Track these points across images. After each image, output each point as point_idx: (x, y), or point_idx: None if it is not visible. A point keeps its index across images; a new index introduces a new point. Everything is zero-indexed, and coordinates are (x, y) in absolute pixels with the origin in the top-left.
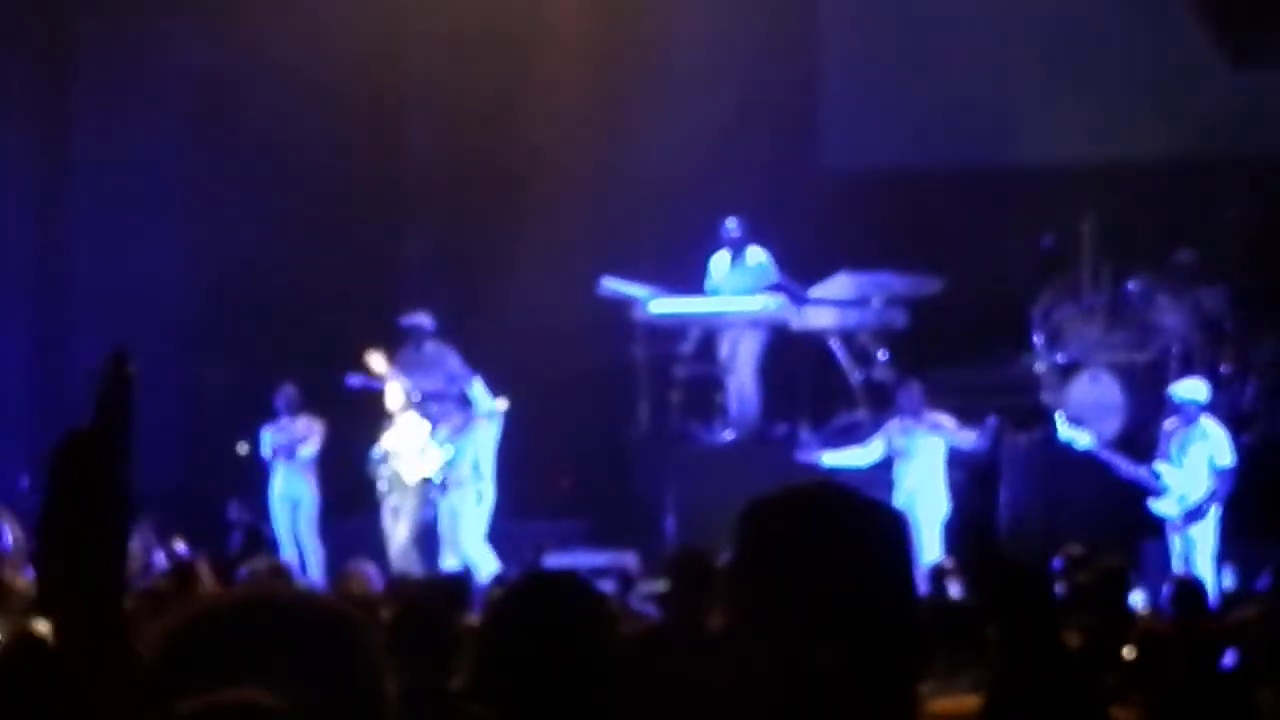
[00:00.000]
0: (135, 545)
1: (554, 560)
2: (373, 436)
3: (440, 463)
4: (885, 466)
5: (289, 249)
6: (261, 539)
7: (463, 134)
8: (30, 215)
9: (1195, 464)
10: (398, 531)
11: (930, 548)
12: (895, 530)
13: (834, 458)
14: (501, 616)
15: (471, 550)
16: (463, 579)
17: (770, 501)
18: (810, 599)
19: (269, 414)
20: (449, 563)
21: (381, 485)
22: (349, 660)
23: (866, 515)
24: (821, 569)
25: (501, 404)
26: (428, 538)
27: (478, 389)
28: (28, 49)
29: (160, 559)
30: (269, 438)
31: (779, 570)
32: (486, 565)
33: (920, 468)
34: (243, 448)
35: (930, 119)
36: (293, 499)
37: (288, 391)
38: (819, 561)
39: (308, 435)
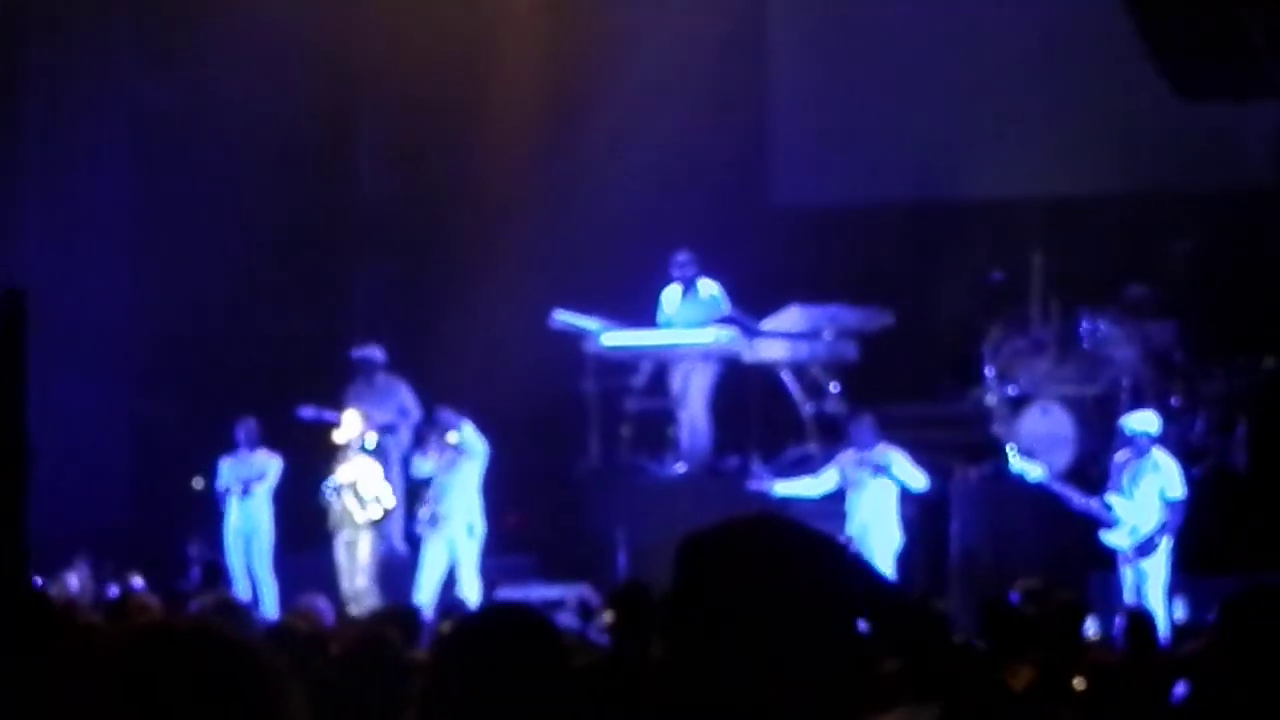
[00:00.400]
0: (73, 582)
1: (507, 594)
2: (326, 470)
3: (392, 499)
4: (838, 498)
5: (240, 282)
6: (219, 574)
7: (414, 167)
8: None
9: (1147, 496)
10: (353, 566)
11: None
12: (835, 561)
13: (786, 487)
14: (450, 650)
15: (466, 582)
16: (413, 613)
17: (709, 534)
18: (749, 630)
19: (223, 447)
20: (423, 597)
21: (334, 519)
22: (240, 697)
23: (806, 547)
24: (760, 600)
25: (453, 437)
26: (387, 572)
27: (468, 432)
28: None
29: (114, 593)
30: (227, 469)
31: (717, 602)
32: (476, 597)
33: (872, 500)
34: (198, 482)
35: (880, 154)
36: (248, 533)
37: (248, 424)
38: (757, 593)
39: (266, 469)
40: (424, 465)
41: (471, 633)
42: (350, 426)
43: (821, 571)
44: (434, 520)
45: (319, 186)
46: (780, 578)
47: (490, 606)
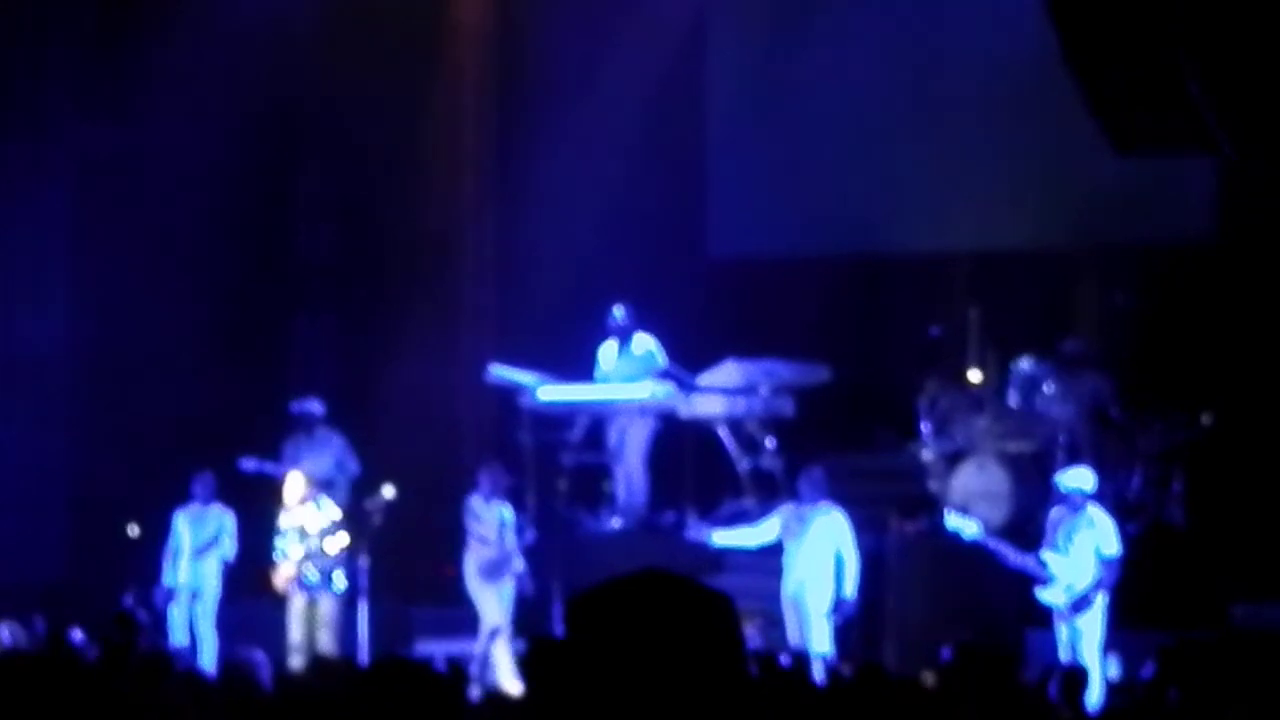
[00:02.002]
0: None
1: (434, 648)
2: (265, 522)
3: (337, 552)
4: (776, 552)
5: (178, 333)
6: (155, 627)
7: (352, 219)
8: None
9: (1082, 553)
10: (314, 620)
11: (819, 637)
12: (721, 617)
13: (724, 537)
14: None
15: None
16: (350, 665)
17: (597, 592)
18: (634, 686)
19: (160, 498)
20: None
21: (280, 574)
22: None
23: (692, 603)
24: (644, 656)
25: (389, 491)
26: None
27: None
28: None
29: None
30: (184, 525)
31: (603, 658)
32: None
33: (811, 554)
34: (134, 530)
35: (817, 208)
36: (194, 589)
37: (205, 478)
38: (642, 649)
39: (221, 528)
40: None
41: (375, 684)
42: (295, 488)
43: (707, 628)
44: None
45: (258, 237)
46: (665, 634)
47: (394, 658)
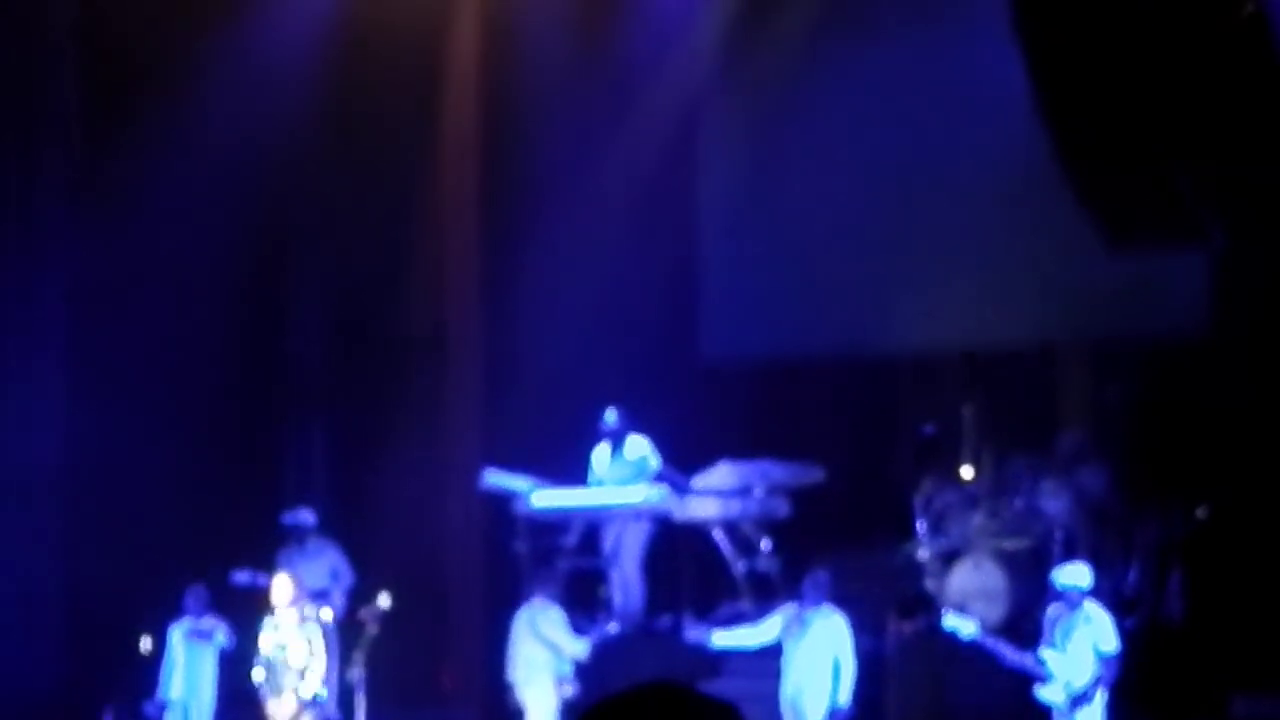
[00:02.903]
0: None
1: None
2: (257, 634)
3: (320, 673)
4: (775, 655)
5: (170, 444)
6: None
7: (345, 329)
8: None
9: (1080, 650)
10: None
11: None
12: None
13: (725, 638)
14: None
15: None
16: None
17: (609, 704)
18: None
19: (153, 608)
20: None
21: (264, 688)
22: None
23: (700, 716)
24: None
25: (384, 600)
26: None
27: None
28: None
29: None
30: (178, 636)
31: None
32: None
33: (810, 657)
34: (146, 644)
35: (808, 308)
36: (187, 701)
37: (198, 590)
38: None
39: (214, 633)
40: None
41: None
42: (282, 591)
43: None
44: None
45: (249, 347)
46: None
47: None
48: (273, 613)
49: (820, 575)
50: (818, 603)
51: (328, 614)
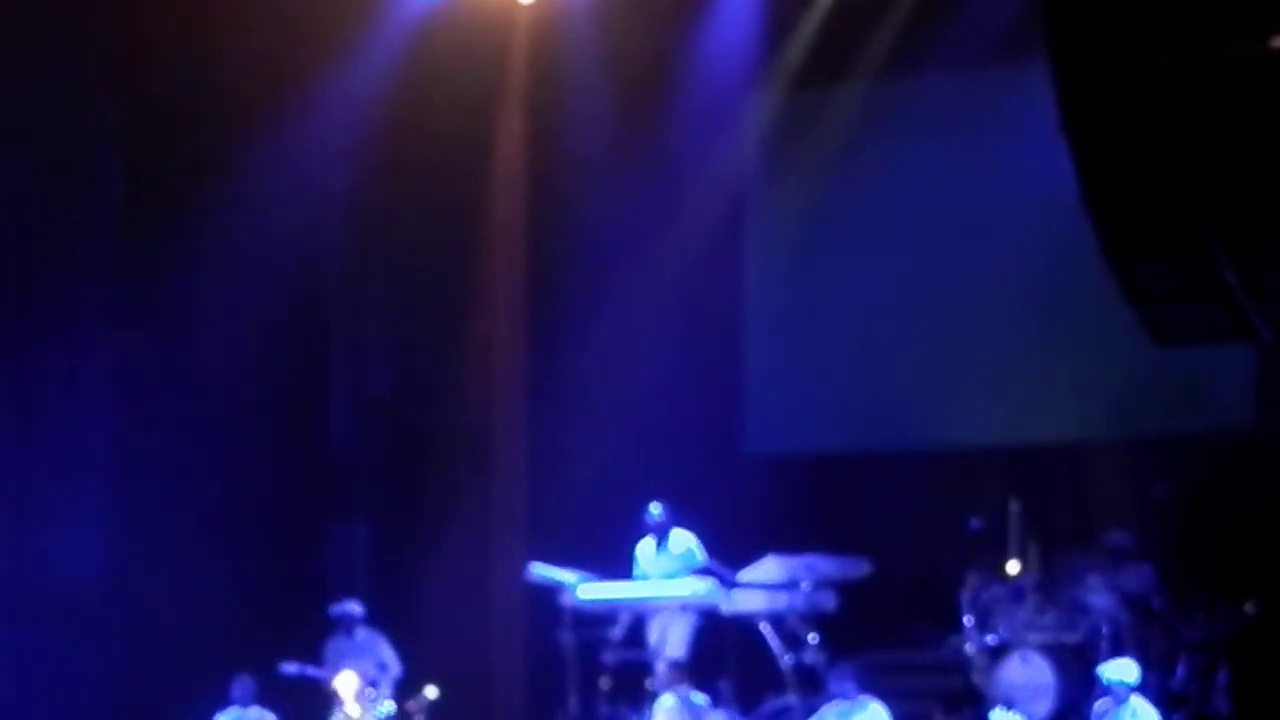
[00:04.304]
0: None
1: None
2: None
3: None
4: None
5: (216, 538)
6: None
7: (386, 419)
8: None
9: None
10: None
11: None
12: None
13: None
14: None
15: None
16: None
17: None
18: None
19: (205, 702)
20: None
21: None
22: None
23: None
24: None
25: (431, 692)
26: None
27: None
28: None
29: None
30: None
31: None
32: None
33: None
34: None
35: (855, 402)
36: None
37: (245, 682)
38: None
39: None
40: None
41: None
42: (347, 686)
43: None
44: None
45: (293, 440)
46: None
47: None
48: (339, 707)
49: (844, 669)
50: (853, 695)
51: (390, 706)
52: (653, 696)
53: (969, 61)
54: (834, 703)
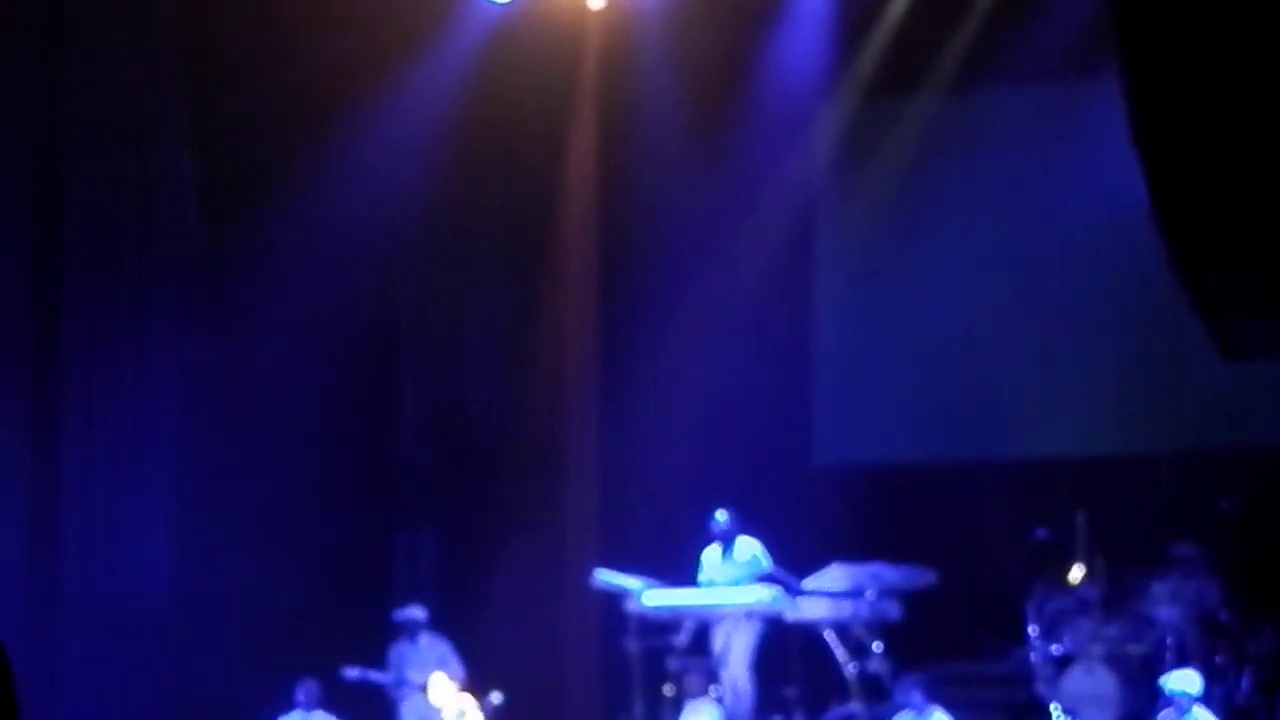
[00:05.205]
0: None
1: None
2: None
3: None
4: None
5: (281, 542)
6: None
7: (454, 425)
8: (18, 519)
9: None
10: None
11: None
12: None
13: None
14: None
15: None
16: None
17: None
18: None
19: (268, 706)
20: None
21: None
22: None
23: None
24: None
25: (497, 697)
26: None
27: None
28: (16, 351)
29: None
30: None
31: None
32: None
33: None
34: None
35: (921, 412)
36: None
37: (309, 686)
38: None
39: None
40: None
41: None
42: (440, 689)
43: None
44: None
45: (360, 446)
46: None
47: None
48: (439, 713)
49: (911, 679)
50: (922, 706)
51: (477, 713)
52: (717, 703)
53: (1041, 72)
54: (902, 714)
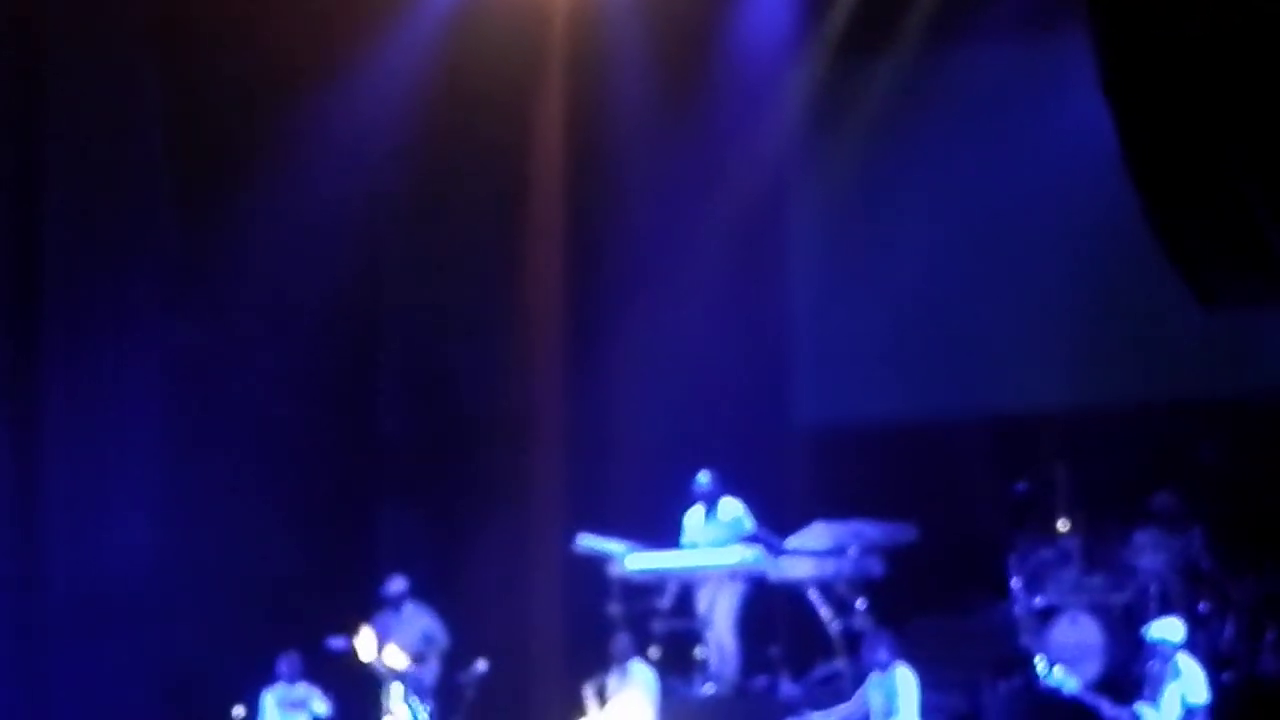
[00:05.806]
0: None
1: None
2: (353, 703)
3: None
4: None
5: (265, 519)
6: None
7: (433, 394)
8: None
9: (1170, 703)
10: None
11: None
12: None
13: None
14: None
15: None
16: None
17: None
18: None
19: (249, 680)
20: None
21: None
22: None
23: None
24: None
25: (481, 665)
26: None
27: None
28: None
29: None
30: (271, 703)
31: None
32: None
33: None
34: (239, 711)
35: (901, 369)
36: None
37: (291, 658)
38: None
39: (309, 701)
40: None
41: None
42: (368, 644)
43: None
44: None
45: (341, 420)
46: None
47: None
48: (388, 679)
49: (877, 637)
50: (887, 664)
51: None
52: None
53: (1009, 30)
54: (871, 676)
